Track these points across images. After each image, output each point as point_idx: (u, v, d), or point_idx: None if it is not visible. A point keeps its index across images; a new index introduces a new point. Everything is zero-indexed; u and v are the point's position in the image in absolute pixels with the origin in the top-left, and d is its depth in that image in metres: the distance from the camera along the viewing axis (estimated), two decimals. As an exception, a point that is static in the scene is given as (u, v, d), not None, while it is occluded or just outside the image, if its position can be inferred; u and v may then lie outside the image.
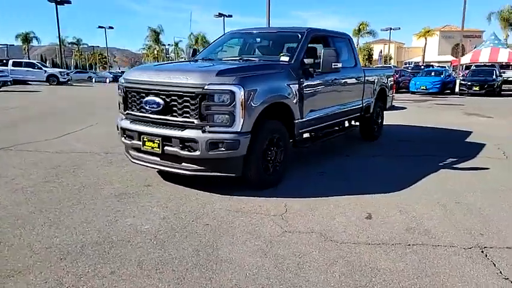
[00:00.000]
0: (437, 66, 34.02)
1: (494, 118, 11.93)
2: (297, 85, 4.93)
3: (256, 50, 6.02)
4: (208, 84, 4.04)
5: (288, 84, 4.77)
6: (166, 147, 4.28)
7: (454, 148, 7.19)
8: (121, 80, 4.85)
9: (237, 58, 5.47)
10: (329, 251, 3.12)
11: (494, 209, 4.08)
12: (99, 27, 51.72)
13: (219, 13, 39.42)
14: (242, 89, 4.05)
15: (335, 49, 5.28)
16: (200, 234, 3.38)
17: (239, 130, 4.11)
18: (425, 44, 54.85)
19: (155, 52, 71.11)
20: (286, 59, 5.11)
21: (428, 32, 54.47)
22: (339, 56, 5.22)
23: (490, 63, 28.98)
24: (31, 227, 3.46)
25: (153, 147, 4.37)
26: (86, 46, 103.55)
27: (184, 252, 3.06)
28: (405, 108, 14.79)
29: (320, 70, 5.07)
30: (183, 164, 4.33)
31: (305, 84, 5.05)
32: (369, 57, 66.15)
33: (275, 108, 4.60)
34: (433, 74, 23.21)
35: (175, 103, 4.22)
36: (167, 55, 76.33)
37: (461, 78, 22.73)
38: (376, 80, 7.43)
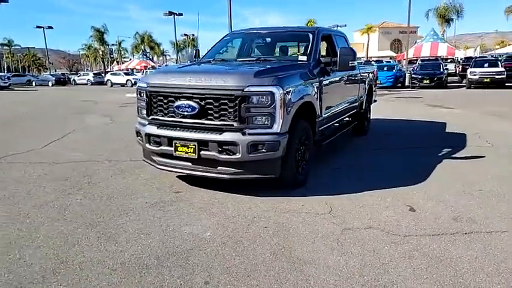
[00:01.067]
0: (381, 61, 35.60)
1: (455, 108, 12.78)
2: (318, 83, 5.02)
3: (266, 50, 6.02)
4: (248, 86, 3.99)
5: (312, 83, 4.84)
6: (202, 152, 4.18)
7: (441, 139, 7.63)
8: (141, 84, 4.65)
9: (254, 59, 5.43)
10: (399, 245, 3.23)
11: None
12: (37, 27, 48.43)
13: (169, 11, 38.48)
14: (281, 89, 4.05)
15: (351, 48, 5.42)
16: (266, 238, 3.36)
17: (279, 131, 4.12)
18: (368, 40, 57.31)
19: (100, 52, 68.09)
20: (304, 58, 5.17)
21: (370, 28, 56.97)
22: (355, 54, 5.35)
23: (433, 57, 30.90)
24: (88, 243, 3.25)
25: (187, 153, 4.25)
26: (18, 48, 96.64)
27: (264, 257, 3.04)
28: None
29: (337, 68, 5.18)
30: (219, 168, 4.25)
31: (324, 82, 5.14)
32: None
33: (303, 107, 4.65)
34: (385, 69, 24.32)
35: (211, 106, 4.13)
36: (111, 55, 73.42)
37: (411, 72, 24.01)
38: (367, 77, 7.71)
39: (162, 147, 4.44)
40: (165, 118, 4.42)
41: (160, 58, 78.72)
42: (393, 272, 2.82)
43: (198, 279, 2.72)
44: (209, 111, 4.15)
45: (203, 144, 4.18)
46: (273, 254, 3.09)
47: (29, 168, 5.65)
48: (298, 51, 5.63)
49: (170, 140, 4.35)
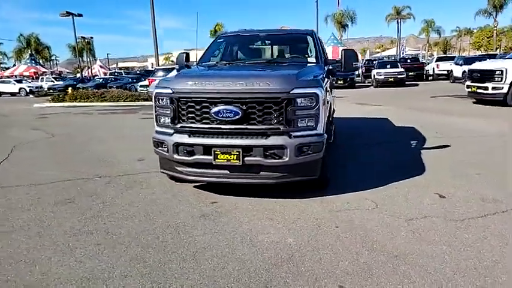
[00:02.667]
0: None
1: (382, 105, 14.06)
2: (329, 84, 5.19)
3: (267, 52, 6.00)
4: (294, 88, 3.99)
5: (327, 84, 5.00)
6: (246, 158, 4.05)
7: (400, 133, 8.39)
8: (161, 90, 4.32)
9: (264, 61, 5.39)
10: (464, 229, 3.55)
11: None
12: None
13: (67, 12, 35.39)
14: (323, 90, 4.14)
15: (353, 49, 5.68)
16: (348, 237, 3.42)
17: (321, 132, 4.19)
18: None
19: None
20: (314, 60, 5.30)
21: (272, 32, 59.31)
22: (357, 56, 5.63)
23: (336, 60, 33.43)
24: (176, 264, 2.97)
25: (229, 160, 4.08)
26: None
27: (365, 254, 3.09)
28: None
29: (342, 69, 5.41)
30: (262, 173, 4.17)
31: (333, 82, 5.34)
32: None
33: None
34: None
35: (255, 110, 4.03)
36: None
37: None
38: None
39: (196, 157, 4.18)
40: (200, 125, 4.17)
41: (49, 63, 71.87)
42: (487, 253, 3.09)
43: (330, 285, 2.67)
44: (252, 116, 4.04)
45: (247, 150, 4.05)
46: (369, 250, 3.15)
47: (8, 193, 4.83)
48: (291, 53, 5.70)
49: (208, 148, 4.13)
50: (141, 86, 27.23)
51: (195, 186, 4.87)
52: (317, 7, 27.54)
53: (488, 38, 64.85)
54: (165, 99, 4.30)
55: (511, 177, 4.96)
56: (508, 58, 14.10)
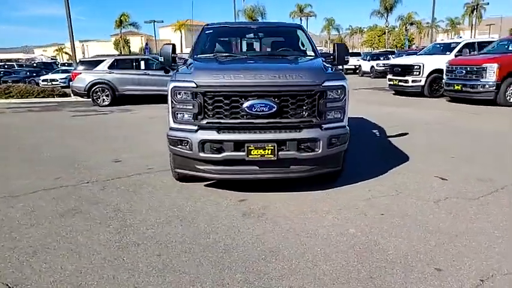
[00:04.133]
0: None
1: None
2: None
3: (261, 45, 5.87)
4: (325, 80, 4.03)
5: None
6: (280, 153, 3.99)
7: (356, 123, 8.86)
8: (183, 84, 4.00)
9: (265, 54, 5.29)
10: (485, 205, 3.95)
11: (489, 153, 5.74)
12: None
13: None
14: (347, 82, 4.24)
15: (344, 43, 5.85)
16: (405, 224, 3.56)
17: (346, 124, 4.30)
18: (181, 36, 58.36)
19: None
20: (312, 53, 5.37)
21: (182, 25, 58.05)
22: (348, 49, 5.82)
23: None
24: (272, 268, 2.81)
25: (263, 155, 3.97)
26: None
27: (444, 238, 3.26)
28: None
29: (336, 63, 5.55)
30: (292, 167, 4.14)
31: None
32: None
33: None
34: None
35: (287, 103, 3.98)
36: None
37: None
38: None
39: (226, 154, 3.98)
40: (230, 120, 3.98)
41: None
42: (523, 224, 3.49)
43: (427, 269, 2.78)
44: (284, 109, 3.98)
45: (281, 144, 3.99)
46: (431, 233, 3.34)
47: (30, 201, 4.08)
48: (283, 47, 5.70)
49: (240, 144, 3.96)
50: (43, 81, 24.70)
51: (206, 185, 4.63)
52: (234, 1, 27.73)
53: (378, 36, 71.58)
54: (186, 94, 4.00)
55: (481, 158, 5.60)
56: (421, 54, 15.75)
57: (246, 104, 3.90)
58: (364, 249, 3.06)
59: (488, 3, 36.63)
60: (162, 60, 5.46)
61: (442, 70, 13.07)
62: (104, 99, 13.85)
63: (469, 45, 13.78)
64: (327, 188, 4.47)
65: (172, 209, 3.95)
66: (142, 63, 14.19)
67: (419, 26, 64.91)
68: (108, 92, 13.79)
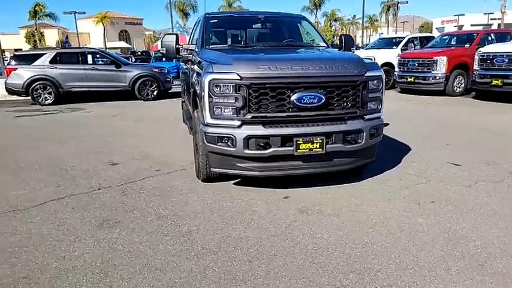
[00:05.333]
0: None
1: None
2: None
3: (269, 36, 5.64)
4: (367, 71, 4.00)
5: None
6: (328, 146, 3.89)
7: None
8: (224, 76, 3.70)
9: (280, 45, 5.09)
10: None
11: (470, 139, 6.12)
12: None
13: None
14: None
15: (350, 35, 5.85)
16: (463, 210, 3.66)
17: (382, 115, 4.31)
18: (104, 29, 55.09)
19: None
20: (324, 44, 5.31)
21: (105, 17, 54.76)
22: (354, 40, 5.83)
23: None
24: (383, 270, 2.70)
25: (311, 149, 3.84)
26: None
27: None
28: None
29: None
30: (335, 160, 4.07)
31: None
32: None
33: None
34: (164, 59, 24.58)
35: (333, 95, 3.89)
36: None
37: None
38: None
39: (273, 149, 3.78)
40: (276, 114, 3.78)
41: None
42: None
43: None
44: (330, 101, 3.87)
45: (329, 136, 3.88)
46: (493, 216, 3.46)
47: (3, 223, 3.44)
48: (292, 37, 5.57)
49: (287, 139, 3.78)
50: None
51: (235, 184, 4.38)
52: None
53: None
54: (226, 86, 3.71)
55: (469, 144, 5.98)
56: (368, 49, 16.47)
57: (294, 96, 3.72)
58: (447, 239, 3.07)
59: (407, 2, 39.39)
60: (165, 51, 5.04)
61: (391, 63, 13.79)
62: (46, 98, 12.53)
63: (413, 40, 14.68)
64: (358, 180, 4.44)
65: (221, 211, 3.65)
66: (89, 57, 13.07)
67: (342, 22, 68.22)
68: (50, 90, 12.49)
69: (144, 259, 2.81)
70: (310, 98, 3.75)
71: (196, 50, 4.99)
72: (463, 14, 53.02)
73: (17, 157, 5.82)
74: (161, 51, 5.30)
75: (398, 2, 40.36)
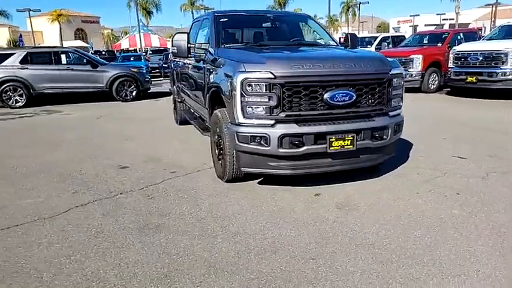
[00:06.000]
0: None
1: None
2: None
3: (278, 34, 5.63)
4: (392, 68, 4.12)
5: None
6: (358, 142, 3.97)
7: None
8: (257, 75, 3.68)
9: (293, 43, 5.12)
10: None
11: (459, 132, 6.41)
12: None
13: None
14: (403, 71, 4.40)
15: (355, 33, 5.96)
16: (493, 199, 3.83)
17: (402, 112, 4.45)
18: (60, 27, 52.82)
19: None
20: (333, 42, 5.40)
21: (60, 15, 52.50)
22: (358, 39, 5.95)
23: (163, 48, 32.57)
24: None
25: (343, 146, 3.90)
26: None
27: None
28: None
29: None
30: (361, 156, 4.16)
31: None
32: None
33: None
34: (132, 59, 24.01)
35: (361, 92, 3.97)
36: None
37: (161, 62, 24.65)
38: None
39: (307, 147, 3.81)
40: (309, 112, 3.80)
41: None
42: None
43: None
44: (359, 98, 3.95)
45: (358, 133, 3.96)
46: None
47: (31, 232, 3.25)
48: (298, 36, 5.62)
49: (320, 137, 3.82)
50: None
51: (259, 183, 4.37)
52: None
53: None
54: (259, 85, 3.69)
55: (461, 137, 6.27)
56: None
57: (326, 94, 3.77)
58: (490, 228, 3.20)
59: (368, 2, 40.68)
60: (176, 51, 4.95)
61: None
62: (16, 100, 11.89)
63: (386, 39, 15.17)
64: (378, 175, 4.54)
65: (259, 211, 3.64)
66: (63, 56, 12.52)
67: (304, 21, 69.09)
68: (22, 91, 11.86)
69: (205, 262, 2.75)
70: (342, 96, 3.80)
71: (210, 49, 4.91)
72: (418, 15, 55.40)
73: (12, 164, 5.48)
74: (171, 50, 5.17)
75: (360, 3, 41.44)
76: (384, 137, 4.10)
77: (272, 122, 3.75)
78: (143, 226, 3.35)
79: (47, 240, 3.14)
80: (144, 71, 13.18)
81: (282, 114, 3.73)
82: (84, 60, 12.47)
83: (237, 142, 3.85)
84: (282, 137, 3.73)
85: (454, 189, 4.07)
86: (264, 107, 3.72)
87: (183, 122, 7.69)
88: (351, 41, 5.58)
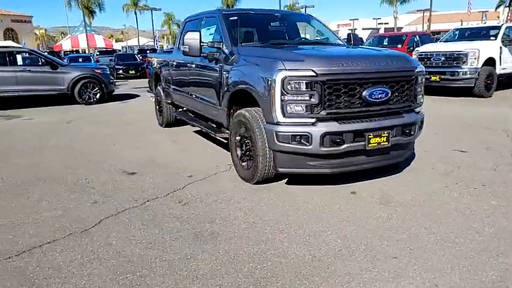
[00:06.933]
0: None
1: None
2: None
3: (286, 33, 5.54)
4: (417, 66, 4.24)
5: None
6: (391, 139, 4.02)
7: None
8: (298, 73, 3.61)
9: (306, 41, 5.09)
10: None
11: (446, 127, 6.75)
12: None
13: None
14: (421, 68, 4.53)
15: (356, 34, 6.04)
16: None
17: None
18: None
19: None
20: (339, 41, 5.45)
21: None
22: (362, 39, 6.04)
23: (111, 49, 31.14)
24: None
25: (380, 143, 3.93)
26: None
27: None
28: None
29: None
30: (391, 153, 4.23)
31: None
32: None
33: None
34: (81, 60, 22.80)
35: (393, 89, 4.03)
36: None
37: (113, 63, 23.54)
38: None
39: (347, 145, 3.79)
40: (349, 110, 3.79)
41: None
42: None
43: None
44: (391, 95, 4.01)
45: (391, 130, 4.01)
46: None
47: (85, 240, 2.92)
48: (303, 36, 5.61)
49: (359, 134, 3.82)
50: None
51: (287, 183, 4.30)
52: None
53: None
54: (300, 83, 3.62)
55: (451, 132, 6.61)
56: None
57: (365, 92, 3.78)
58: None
59: (313, 6, 41.84)
60: (187, 49, 4.74)
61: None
62: (-35, 105, 10.78)
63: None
64: (398, 171, 4.62)
65: (305, 212, 3.56)
66: (18, 57, 11.52)
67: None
68: (-29, 95, 10.78)
69: (290, 267, 2.62)
70: (379, 93, 3.83)
71: (225, 48, 4.74)
72: (357, 19, 58.02)
73: (5, 176, 4.90)
74: (183, 48, 4.92)
75: (306, 6, 42.49)
76: (412, 132, 4.19)
77: (313, 120, 3.68)
78: (196, 234, 3.13)
79: (96, 256, 2.83)
80: (109, 72, 12.51)
81: (323, 113, 3.67)
82: (43, 61, 11.55)
83: (276, 142, 3.74)
84: (323, 136, 3.67)
85: (477, 182, 4.24)
86: (305, 105, 3.64)
87: (170, 124, 7.38)
88: (354, 40, 5.66)
